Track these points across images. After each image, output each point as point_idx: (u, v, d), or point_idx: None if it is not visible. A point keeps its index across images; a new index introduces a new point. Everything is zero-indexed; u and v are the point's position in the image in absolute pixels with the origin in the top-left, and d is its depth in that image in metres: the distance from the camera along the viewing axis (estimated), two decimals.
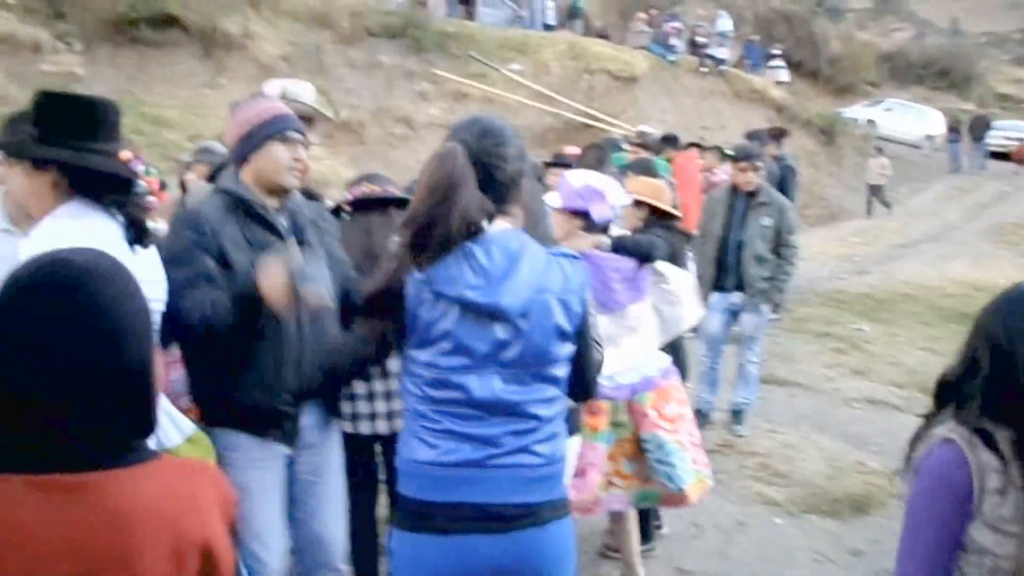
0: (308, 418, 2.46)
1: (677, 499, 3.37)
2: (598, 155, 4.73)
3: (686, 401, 3.51)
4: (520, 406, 1.84)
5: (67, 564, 1.10)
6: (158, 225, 2.14)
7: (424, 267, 1.79)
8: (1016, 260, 12.50)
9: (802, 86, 23.59)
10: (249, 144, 2.38)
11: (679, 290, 3.58)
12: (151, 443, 1.34)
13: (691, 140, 10.19)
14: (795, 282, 6.17)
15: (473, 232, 1.79)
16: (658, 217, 4.00)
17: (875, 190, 16.95)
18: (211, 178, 3.03)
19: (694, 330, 5.66)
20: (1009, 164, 21.72)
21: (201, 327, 2.21)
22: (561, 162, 5.35)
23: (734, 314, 5.49)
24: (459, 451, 1.82)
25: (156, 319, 2.03)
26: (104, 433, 1.15)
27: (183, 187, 4.29)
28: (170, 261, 2.24)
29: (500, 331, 1.81)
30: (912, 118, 23.63)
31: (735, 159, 5.57)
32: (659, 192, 4.09)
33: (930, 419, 1.64)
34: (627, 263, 3.33)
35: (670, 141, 8.79)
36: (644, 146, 7.59)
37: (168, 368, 2.45)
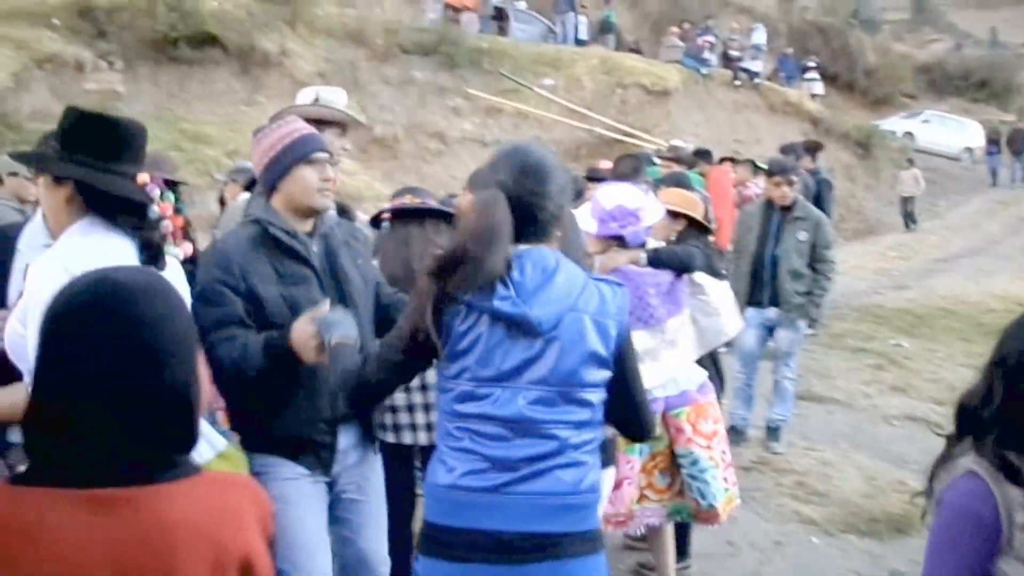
0: (346, 439, 2.45)
1: (708, 515, 3.35)
2: (634, 164, 4.71)
3: (720, 418, 3.48)
4: (543, 426, 1.79)
5: None
6: (174, 249, 2.14)
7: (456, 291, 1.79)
8: None
9: (838, 99, 23.36)
10: (276, 171, 2.36)
11: (717, 301, 3.53)
12: None
13: (725, 154, 10.12)
14: (832, 297, 6.09)
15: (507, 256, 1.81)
16: (693, 230, 3.98)
17: (907, 202, 16.71)
18: (248, 188, 3.08)
19: (728, 345, 5.62)
20: None
21: (232, 371, 2.22)
22: (596, 177, 5.34)
23: (769, 330, 5.43)
24: (476, 475, 1.78)
25: None
26: (147, 448, 1.16)
27: (222, 203, 4.36)
28: (200, 299, 2.26)
29: (529, 346, 1.79)
30: (951, 130, 23.26)
31: (769, 173, 5.53)
32: (693, 204, 4.07)
33: (951, 444, 1.60)
34: (664, 276, 3.28)
35: (703, 155, 8.74)
36: (677, 160, 7.55)
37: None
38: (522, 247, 1.83)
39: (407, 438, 3.02)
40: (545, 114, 14.00)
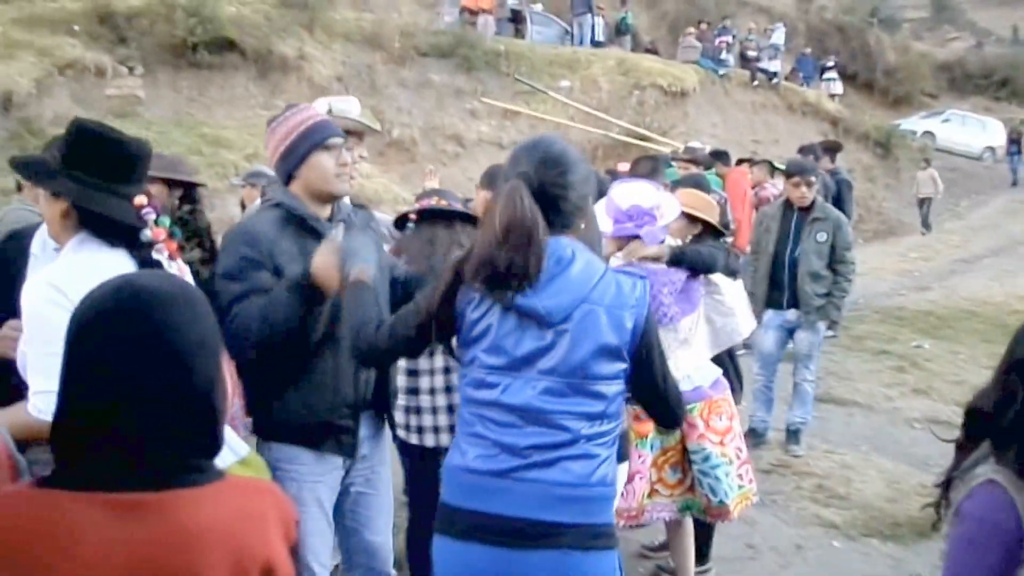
0: (363, 430, 2.47)
1: (718, 512, 3.32)
2: (652, 165, 4.68)
3: (735, 415, 3.45)
4: (553, 416, 1.79)
5: None
6: (172, 267, 2.11)
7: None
8: None
9: (857, 98, 23.19)
10: (292, 160, 2.38)
11: (732, 301, 3.51)
12: None
13: (743, 155, 10.08)
14: (852, 298, 6.04)
15: None
16: (708, 232, 3.94)
17: (924, 204, 16.54)
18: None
19: (748, 347, 5.58)
20: None
21: (261, 332, 2.19)
22: (615, 179, 5.32)
23: (789, 332, 5.39)
24: (486, 458, 1.80)
25: None
26: (172, 453, 1.17)
27: (243, 205, 4.40)
28: (225, 276, 2.26)
29: (540, 336, 1.79)
30: (972, 129, 23.03)
31: (787, 174, 5.49)
32: (709, 207, 4.03)
33: (962, 450, 1.56)
34: (678, 276, 3.24)
35: (720, 156, 8.70)
36: (693, 161, 7.52)
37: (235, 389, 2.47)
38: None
39: (430, 440, 3.03)
40: (561, 120, 14.00)
